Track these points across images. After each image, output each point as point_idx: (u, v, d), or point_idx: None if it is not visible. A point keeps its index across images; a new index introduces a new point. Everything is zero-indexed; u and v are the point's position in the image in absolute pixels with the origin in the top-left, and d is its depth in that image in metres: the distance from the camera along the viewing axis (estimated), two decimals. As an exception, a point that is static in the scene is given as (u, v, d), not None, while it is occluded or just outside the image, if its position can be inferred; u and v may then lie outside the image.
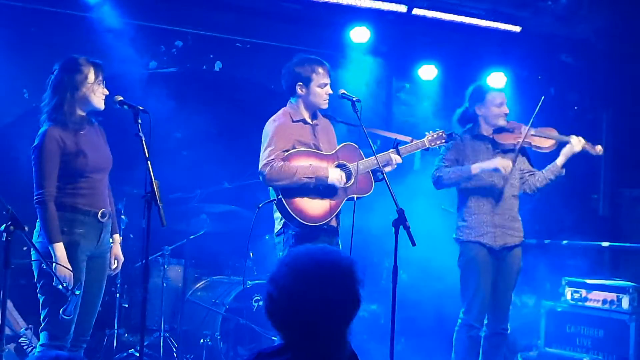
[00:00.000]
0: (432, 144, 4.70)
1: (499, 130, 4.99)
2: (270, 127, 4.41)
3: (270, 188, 4.41)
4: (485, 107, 4.99)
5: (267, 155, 4.31)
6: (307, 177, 4.29)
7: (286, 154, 4.34)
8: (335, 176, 4.35)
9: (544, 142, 4.96)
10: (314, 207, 4.36)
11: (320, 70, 4.45)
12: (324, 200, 4.38)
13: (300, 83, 4.43)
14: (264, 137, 4.42)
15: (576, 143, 4.88)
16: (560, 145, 4.94)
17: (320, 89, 4.45)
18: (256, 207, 4.42)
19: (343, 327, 2.11)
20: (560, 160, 4.92)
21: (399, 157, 4.50)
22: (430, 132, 4.73)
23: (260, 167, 4.32)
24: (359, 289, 2.12)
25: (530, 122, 4.94)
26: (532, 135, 4.95)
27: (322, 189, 4.36)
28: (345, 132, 4.83)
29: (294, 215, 4.30)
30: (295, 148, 4.37)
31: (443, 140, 4.73)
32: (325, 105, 4.50)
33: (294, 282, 2.06)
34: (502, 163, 4.79)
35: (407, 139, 4.65)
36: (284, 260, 2.13)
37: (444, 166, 4.97)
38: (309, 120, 4.49)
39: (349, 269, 2.11)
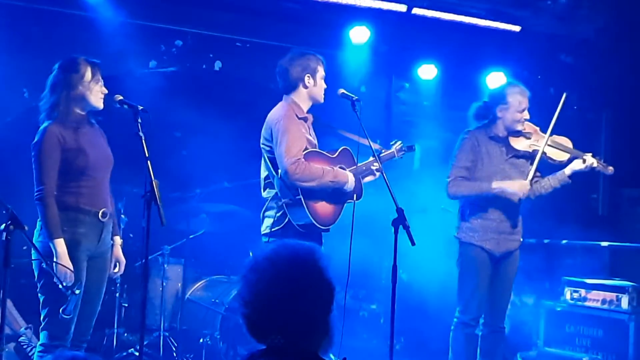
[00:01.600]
0: (399, 155, 4.72)
1: (515, 133, 4.89)
2: (282, 123, 4.28)
3: (270, 189, 4.39)
4: (508, 110, 4.85)
5: (291, 154, 4.20)
6: (331, 181, 4.28)
7: (304, 153, 4.29)
8: (351, 182, 4.37)
9: (560, 155, 4.87)
10: (327, 210, 4.36)
11: (321, 62, 4.49)
12: (334, 204, 4.39)
13: (309, 74, 4.42)
14: (277, 132, 4.28)
15: (590, 162, 4.76)
16: (574, 158, 4.84)
17: (322, 81, 4.47)
18: (253, 203, 4.44)
19: (325, 315, 2.05)
20: (568, 171, 4.82)
21: (378, 164, 4.48)
22: (393, 142, 4.75)
23: (287, 165, 4.18)
24: (325, 271, 2.05)
25: (549, 131, 4.83)
26: (548, 145, 4.86)
27: (332, 193, 4.35)
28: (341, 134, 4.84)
29: (310, 216, 4.24)
30: (307, 148, 4.35)
31: (403, 152, 4.73)
32: (323, 99, 4.50)
33: (260, 292, 2.01)
34: (522, 188, 4.73)
35: (376, 146, 4.61)
36: (244, 274, 2.07)
37: (460, 177, 4.81)
38: (308, 119, 4.49)
39: (309, 255, 2.05)
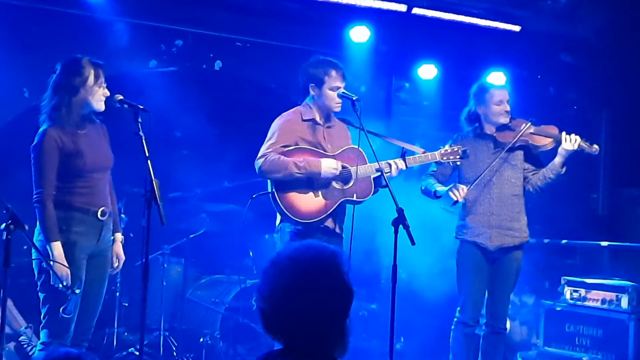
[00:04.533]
0: (445, 158, 4.60)
1: (502, 128, 4.95)
2: (276, 122, 4.45)
3: (269, 181, 4.42)
4: (485, 105, 4.95)
5: (265, 148, 4.35)
6: (298, 171, 4.26)
7: (286, 149, 4.34)
8: (328, 165, 4.30)
9: (542, 140, 4.89)
10: (306, 204, 4.35)
11: (334, 73, 4.40)
12: (318, 199, 4.37)
13: (313, 84, 4.42)
14: (269, 131, 4.45)
15: (569, 141, 4.75)
16: (559, 143, 4.85)
17: (332, 92, 4.40)
18: (253, 202, 4.46)
19: (340, 319, 2.05)
20: (557, 159, 4.83)
21: (403, 163, 4.42)
22: (447, 146, 4.65)
23: (256, 158, 4.35)
24: (346, 276, 2.05)
25: (527, 124, 4.88)
26: (530, 133, 4.89)
27: (317, 187, 4.35)
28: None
29: (285, 210, 4.31)
30: (298, 145, 4.37)
31: (458, 156, 4.61)
32: (337, 109, 4.46)
33: (279, 289, 2.01)
34: (455, 191, 4.72)
35: (419, 150, 4.56)
36: (265, 269, 2.07)
37: (430, 174, 4.97)
38: (320, 122, 4.48)
39: (331, 258, 2.05)
